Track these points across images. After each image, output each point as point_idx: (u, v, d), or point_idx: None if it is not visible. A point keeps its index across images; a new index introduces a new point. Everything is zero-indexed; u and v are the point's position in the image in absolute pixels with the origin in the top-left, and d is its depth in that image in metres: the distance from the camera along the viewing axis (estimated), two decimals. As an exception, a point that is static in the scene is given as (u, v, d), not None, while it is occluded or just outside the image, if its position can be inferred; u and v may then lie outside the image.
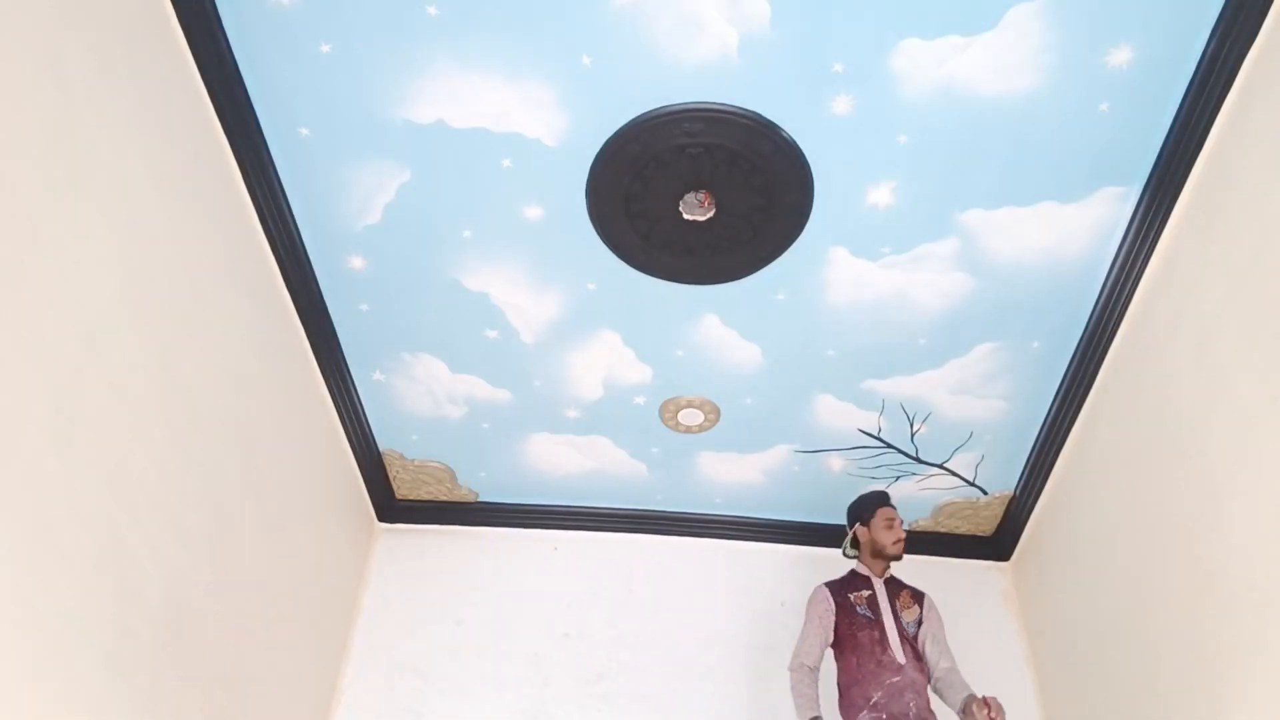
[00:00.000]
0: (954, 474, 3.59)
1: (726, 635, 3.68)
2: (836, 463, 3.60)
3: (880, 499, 3.26)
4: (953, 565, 3.74)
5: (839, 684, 3.01)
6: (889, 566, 3.19)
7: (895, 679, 2.89)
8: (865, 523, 3.22)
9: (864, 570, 3.19)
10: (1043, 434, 3.39)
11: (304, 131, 2.63)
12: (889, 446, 3.51)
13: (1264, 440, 2.30)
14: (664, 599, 3.77)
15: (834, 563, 3.80)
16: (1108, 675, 3.06)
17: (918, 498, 3.72)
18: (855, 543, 3.26)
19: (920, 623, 3.07)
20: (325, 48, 2.44)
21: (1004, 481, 3.63)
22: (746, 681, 3.57)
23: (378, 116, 2.58)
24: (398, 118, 2.58)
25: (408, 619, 3.69)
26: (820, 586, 3.16)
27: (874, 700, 2.86)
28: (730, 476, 3.72)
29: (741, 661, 3.61)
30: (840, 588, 3.14)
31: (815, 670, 3.00)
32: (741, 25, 2.36)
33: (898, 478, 3.64)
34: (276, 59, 2.48)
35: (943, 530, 3.82)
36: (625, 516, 3.90)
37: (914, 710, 2.84)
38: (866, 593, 3.10)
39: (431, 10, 2.35)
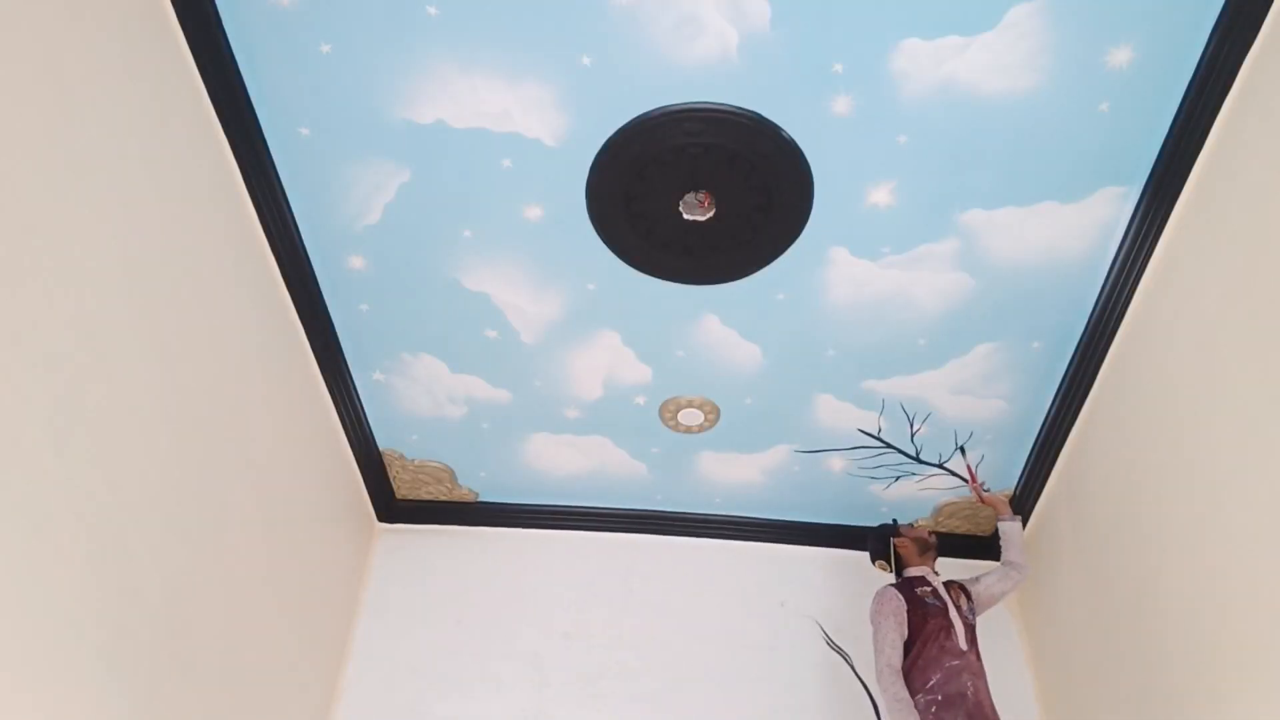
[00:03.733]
0: (954, 474, 3.59)
1: (726, 635, 3.68)
2: (836, 463, 3.60)
3: (894, 526, 3.41)
4: (953, 565, 3.73)
5: (901, 670, 3.00)
6: (936, 557, 3.29)
7: (955, 662, 2.90)
8: (896, 535, 3.33)
9: (917, 571, 3.22)
10: (1043, 434, 3.39)
11: (304, 131, 2.63)
12: (889, 446, 3.51)
13: (1264, 440, 2.30)
14: (664, 599, 3.77)
15: (833, 562, 3.82)
16: (1107, 675, 3.06)
17: (918, 498, 3.73)
18: (895, 558, 3.29)
19: (973, 602, 3.15)
20: (325, 48, 2.44)
21: (1004, 481, 3.63)
22: (746, 681, 3.57)
23: (378, 116, 2.58)
24: (398, 118, 2.58)
25: (408, 619, 3.69)
26: (886, 588, 3.16)
27: (930, 683, 2.87)
28: (730, 476, 3.72)
29: (741, 661, 3.61)
30: (905, 585, 3.16)
31: (901, 670, 2.96)
32: (741, 25, 2.36)
33: (898, 478, 3.64)
34: (276, 59, 2.48)
35: (943, 530, 3.81)
36: (625, 516, 3.90)
37: (971, 690, 2.85)
38: (929, 587, 3.14)
39: (431, 10, 2.35)
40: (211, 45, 2.42)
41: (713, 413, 3.43)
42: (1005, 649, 3.62)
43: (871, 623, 3.10)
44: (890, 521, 3.53)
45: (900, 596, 3.08)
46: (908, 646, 3.01)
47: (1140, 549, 2.88)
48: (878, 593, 3.15)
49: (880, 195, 2.71)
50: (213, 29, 2.40)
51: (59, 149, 1.99)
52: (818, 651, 3.62)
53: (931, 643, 2.96)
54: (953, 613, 3.04)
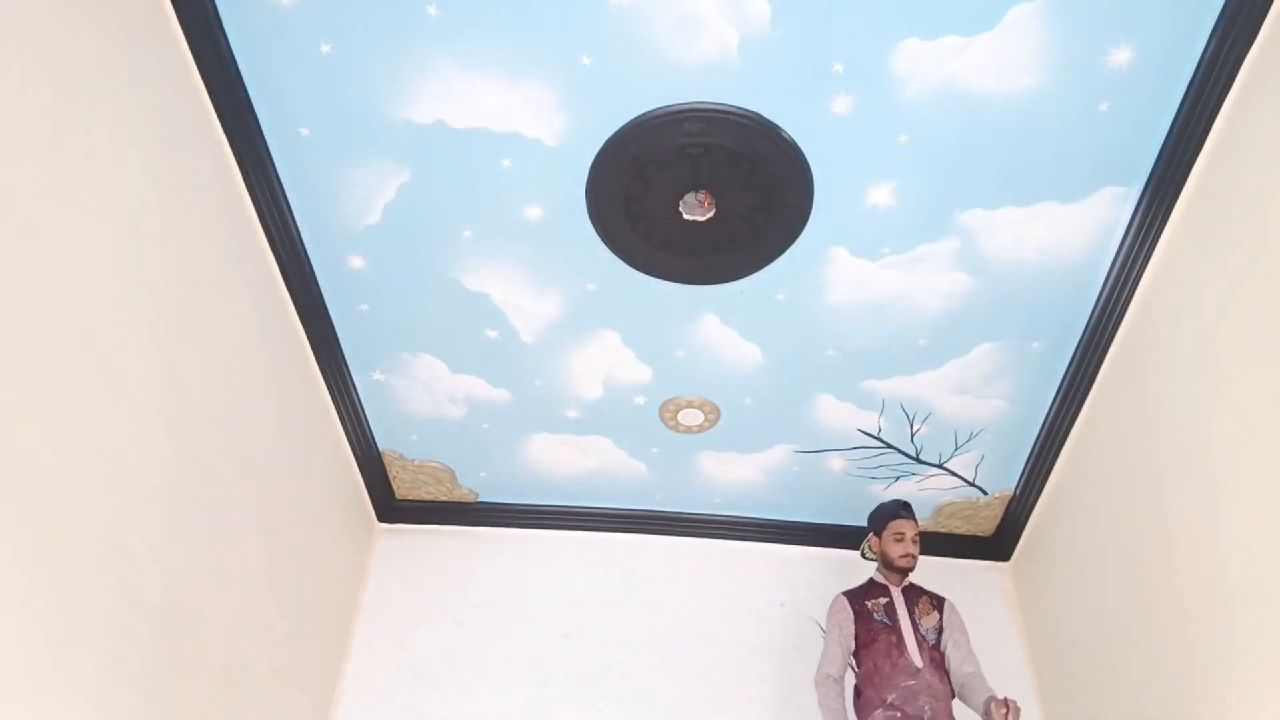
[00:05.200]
0: (954, 474, 3.59)
1: (726, 635, 3.68)
2: (836, 463, 3.60)
3: (894, 511, 3.22)
4: (953, 565, 3.74)
5: (856, 685, 3.02)
6: (905, 576, 3.18)
7: (911, 682, 2.88)
8: (878, 533, 3.24)
9: (881, 579, 3.20)
10: (1043, 434, 3.39)
11: (304, 131, 2.63)
12: (889, 446, 3.51)
13: (1264, 440, 2.30)
14: (664, 599, 3.77)
15: (833, 562, 3.82)
16: (1108, 675, 3.06)
17: (918, 498, 3.71)
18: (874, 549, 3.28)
19: (941, 630, 3.05)
20: (325, 48, 2.44)
21: (1004, 481, 3.63)
22: (746, 681, 3.57)
23: (378, 116, 2.58)
24: (398, 118, 2.58)
25: (408, 619, 3.69)
26: (838, 596, 3.17)
27: (889, 700, 2.86)
28: (730, 476, 3.72)
29: (741, 661, 3.61)
30: (858, 595, 3.15)
31: (839, 680, 2.99)
32: (741, 25, 2.36)
33: (898, 478, 3.64)
34: (276, 59, 2.48)
35: (943, 530, 3.82)
36: (625, 516, 3.90)
37: (929, 713, 2.82)
38: (884, 600, 3.10)
39: (431, 10, 2.35)
40: (211, 45, 2.42)
41: (713, 413, 3.43)
42: (1005, 649, 3.62)
43: (825, 626, 3.12)
44: (899, 500, 3.31)
45: (849, 608, 3.09)
46: (859, 658, 3.01)
47: (1140, 549, 2.88)
48: (833, 600, 3.16)
49: (880, 195, 2.71)
50: (213, 29, 2.40)
51: (60, 149, 1.99)
52: (817, 652, 3.60)
53: (882, 659, 2.94)
54: (906, 630, 2.98)
